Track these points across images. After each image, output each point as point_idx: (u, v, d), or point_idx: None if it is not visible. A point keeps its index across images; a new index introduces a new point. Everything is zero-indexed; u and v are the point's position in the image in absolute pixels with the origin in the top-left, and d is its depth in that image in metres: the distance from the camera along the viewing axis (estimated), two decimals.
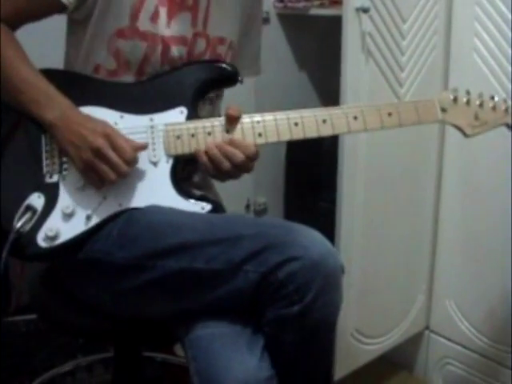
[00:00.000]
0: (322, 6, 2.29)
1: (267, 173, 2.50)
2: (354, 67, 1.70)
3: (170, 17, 1.31)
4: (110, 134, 1.20)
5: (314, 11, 2.30)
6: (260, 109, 1.42)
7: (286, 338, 1.15)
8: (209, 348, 1.14)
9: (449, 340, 2.07)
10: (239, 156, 1.24)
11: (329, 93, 1.99)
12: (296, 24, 2.45)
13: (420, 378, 2.18)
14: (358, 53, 1.70)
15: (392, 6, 1.74)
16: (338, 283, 1.15)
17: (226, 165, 1.24)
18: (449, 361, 2.08)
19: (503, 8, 1.74)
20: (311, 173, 2.47)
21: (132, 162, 1.22)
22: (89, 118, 1.24)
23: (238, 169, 1.26)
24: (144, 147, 1.25)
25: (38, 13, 1.29)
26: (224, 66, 1.35)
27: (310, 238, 1.15)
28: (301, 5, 2.33)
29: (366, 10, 1.65)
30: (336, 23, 1.70)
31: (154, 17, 1.30)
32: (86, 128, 1.20)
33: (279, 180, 2.60)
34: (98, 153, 1.18)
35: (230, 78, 1.35)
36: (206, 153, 1.25)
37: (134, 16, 1.29)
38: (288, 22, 2.45)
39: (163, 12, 1.30)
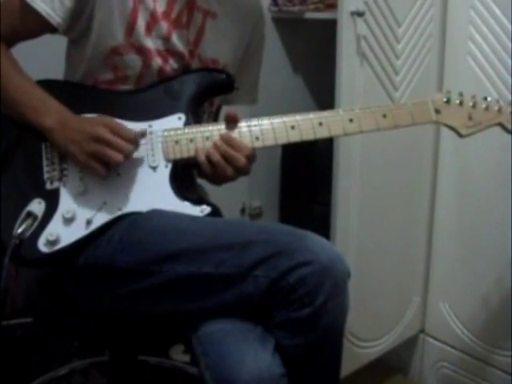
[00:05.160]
0: (316, 9, 2.30)
1: (262, 176, 2.51)
2: (349, 71, 1.70)
3: (168, 32, 1.33)
4: (108, 122, 1.23)
5: (309, 15, 2.31)
6: (255, 112, 1.43)
7: (296, 341, 1.15)
8: (220, 343, 1.14)
9: (444, 343, 2.08)
10: (241, 160, 1.26)
11: (324, 96, 2.00)
12: (291, 28, 2.46)
13: (415, 381, 2.18)
14: (352, 56, 1.70)
15: (387, 10, 1.75)
16: (345, 287, 1.17)
17: (229, 170, 1.26)
18: (444, 364, 2.09)
19: (498, 12, 1.75)
20: (306, 176, 2.47)
21: (135, 141, 1.24)
22: (85, 117, 1.26)
23: (239, 172, 1.28)
24: (143, 134, 1.26)
25: (31, 32, 1.33)
26: (219, 73, 1.38)
27: (319, 243, 1.16)
28: (296, 9, 2.33)
29: (360, 14, 1.66)
30: (331, 27, 1.71)
31: (149, 32, 1.32)
32: (84, 123, 1.23)
33: (274, 183, 2.60)
34: (100, 139, 1.20)
35: (225, 85, 1.38)
36: (208, 158, 1.26)
37: (129, 32, 1.31)
38: (283, 26, 2.46)
39: (161, 28, 1.32)
